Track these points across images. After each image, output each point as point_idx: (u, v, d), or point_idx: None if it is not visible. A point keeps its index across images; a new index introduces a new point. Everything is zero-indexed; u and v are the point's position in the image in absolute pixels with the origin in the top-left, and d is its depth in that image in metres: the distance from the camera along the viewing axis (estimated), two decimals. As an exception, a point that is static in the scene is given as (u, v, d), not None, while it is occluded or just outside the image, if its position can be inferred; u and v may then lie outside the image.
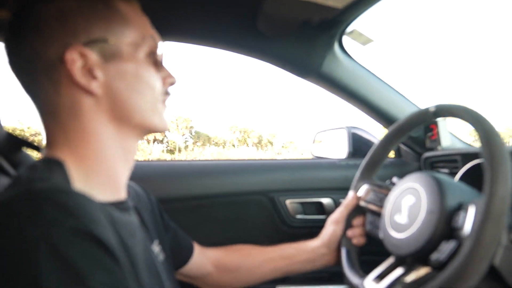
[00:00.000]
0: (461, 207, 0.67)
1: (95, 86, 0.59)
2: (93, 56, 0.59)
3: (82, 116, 0.60)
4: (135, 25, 0.64)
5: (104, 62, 0.60)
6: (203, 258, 0.97)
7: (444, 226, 0.66)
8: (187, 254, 0.92)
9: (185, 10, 0.98)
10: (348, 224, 1.00)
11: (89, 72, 0.59)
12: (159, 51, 0.67)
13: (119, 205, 0.63)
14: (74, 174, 0.57)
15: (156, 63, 0.67)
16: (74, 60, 0.57)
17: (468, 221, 0.63)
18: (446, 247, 0.65)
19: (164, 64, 0.70)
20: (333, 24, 1.03)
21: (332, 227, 1.01)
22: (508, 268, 0.64)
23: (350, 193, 1.03)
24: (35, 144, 0.97)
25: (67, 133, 0.60)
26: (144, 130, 0.67)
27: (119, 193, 0.65)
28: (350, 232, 0.99)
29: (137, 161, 1.35)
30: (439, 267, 0.65)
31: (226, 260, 0.99)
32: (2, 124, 0.95)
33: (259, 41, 1.11)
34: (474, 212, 0.63)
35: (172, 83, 0.72)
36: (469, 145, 1.42)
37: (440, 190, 0.70)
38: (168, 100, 0.72)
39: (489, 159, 0.62)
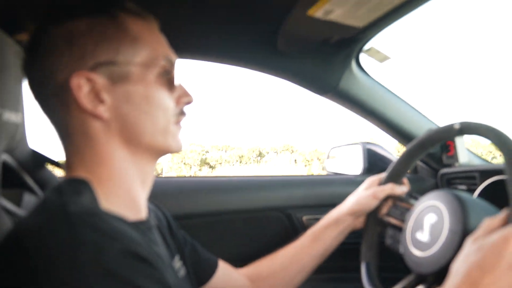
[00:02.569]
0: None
1: (102, 110, 0.59)
2: (100, 80, 0.58)
3: (93, 139, 0.60)
4: (147, 45, 0.63)
5: (112, 85, 0.59)
6: (233, 273, 0.95)
7: None
8: (210, 269, 0.90)
9: (205, 27, 1.00)
10: (372, 231, 0.99)
11: (96, 96, 0.59)
12: (173, 70, 0.65)
13: (141, 225, 0.63)
14: (98, 194, 0.57)
15: (169, 83, 0.65)
16: (80, 85, 0.57)
17: None
18: None
19: (179, 83, 0.68)
20: (352, 42, 1.04)
21: (367, 199, 0.98)
22: None
23: (405, 185, 1.01)
24: (59, 161, 0.98)
25: (82, 155, 0.61)
26: (157, 152, 0.66)
27: (140, 213, 0.65)
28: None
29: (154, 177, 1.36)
30: None
31: (258, 269, 0.98)
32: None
33: (278, 59, 1.13)
34: None
35: (188, 103, 0.70)
36: (487, 161, 1.41)
37: (462, 209, 0.70)
38: (184, 120, 0.70)
39: None
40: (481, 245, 0.58)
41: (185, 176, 1.77)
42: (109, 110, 0.60)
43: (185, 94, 0.69)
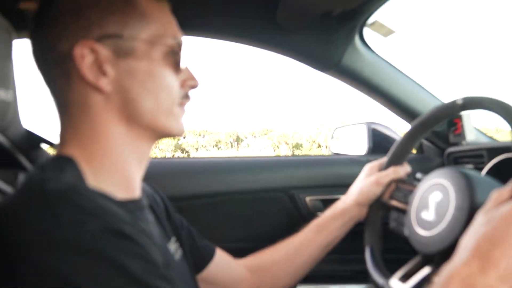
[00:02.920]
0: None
1: (104, 83, 0.58)
2: (104, 51, 0.57)
3: (91, 112, 0.59)
4: (155, 22, 0.62)
5: (116, 58, 0.58)
6: (230, 263, 0.93)
7: None
8: (207, 256, 0.88)
9: (203, 3, 0.97)
10: (375, 215, 0.97)
11: (100, 68, 0.58)
12: (179, 52, 0.64)
13: (133, 204, 0.62)
14: (86, 172, 0.56)
15: (175, 63, 0.64)
16: (84, 55, 0.56)
17: None
18: None
19: (186, 65, 0.67)
20: (354, 15, 1.01)
21: (371, 186, 0.96)
22: None
23: (406, 166, 0.98)
24: (54, 141, 0.97)
25: (77, 129, 0.60)
26: (157, 132, 0.65)
27: (133, 191, 0.63)
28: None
29: (153, 158, 1.35)
30: None
31: (260, 259, 0.96)
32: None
33: (279, 35, 1.10)
34: None
35: (193, 86, 0.68)
36: (495, 139, 1.38)
37: (469, 186, 0.67)
38: (188, 104, 0.69)
39: None
40: (490, 217, 0.56)
41: (185, 157, 1.76)
42: (111, 84, 0.59)
43: (190, 77, 0.68)
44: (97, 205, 0.48)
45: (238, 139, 24.16)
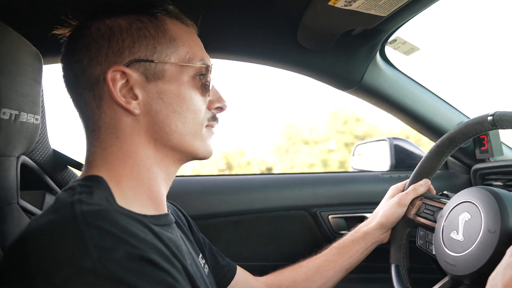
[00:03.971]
0: None
1: (134, 105, 0.60)
2: (135, 75, 0.60)
3: (121, 134, 0.60)
4: (184, 46, 0.64)
5: (146, 82, 0.60)
6: (251, 281, 0.93)
7: (506, 246, 0.61)
8: (229, 274, 0.89)
9: (225, 25, 0.99)
10: (401, 233, 0.95)
11: (130, 91, 0.60)
12: (208, 74, 0.66)
13: (161, 219, 0.62)
14: (114, 192, 0.57)
15: (203, 86, 0.65)
16: (116, 79, 0.59)
17: None
18: None
19: (214, 87, 0.69)
20: (375, 34, 1.00)
21: (393, 208, 0.95)
22: None
23: (424, 180, 0.97)
24: (81, 162, 0.99)
25: (106, 151, 0.61)
26: (184, 154, 0.65)
27: (160, 208, 0.64)
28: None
29: (177, 176, 1.36)
30: None
31: (280, 278, 0.95)
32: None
33: (299, 55, 1.10)
34: None
35: (221, 109, 0.70)
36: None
37: (500, 206, 0.65)
38: (217, 127, 0.70)
39: None
40: None
41: (206, 175, 1.77)
42: (141, 106, 0.61)
43: (218, 99, 0.69)
44: (125, 230, 0.49)
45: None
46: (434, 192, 0.97)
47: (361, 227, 0.98)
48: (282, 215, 1.31)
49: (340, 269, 0.94)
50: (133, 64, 0.60)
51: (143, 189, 0.61)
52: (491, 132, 1.26)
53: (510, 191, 1.04)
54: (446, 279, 0.75)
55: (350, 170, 1.83)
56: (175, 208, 0.83)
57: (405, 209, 0.95)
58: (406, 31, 1.04)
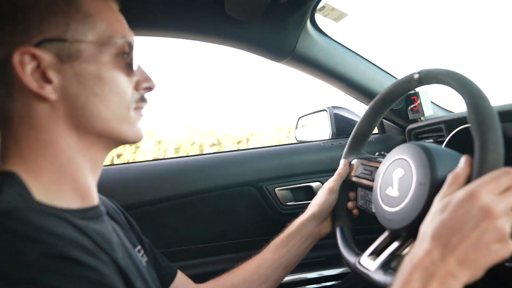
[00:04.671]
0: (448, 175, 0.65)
1: (49, 90, 0.54)
2: (47, 57, 0.54)
3: (36, 123, 0.55)
4: (102, 22, 0.58)
5: (60, 63, 0.55)
6: (192, 287, 0.89)
7: (436, 196, 0.64)
8: (168, 275, 0.84)
9: (150, 0, 0.94)
10: (342, 196, 0.96)
11: (43, 75, 0.54)
12: (131, 52, 0.61)
13: (88, 212, 0.59)
14: (32, 187, 0.52)
15: (126, 65, 0.60)
16: (24, 62, 0.52)
17: None
18: None
19: (139, 66, 0.63)
20: (304, 1, 0.99)
21: (324, 196, 0.95)
22: None
23: (342, 162, 0.98)
24: None
25: (21, 143, 0.55)
26: (111, 140, 0.61)
27: (89, 199, 0.60)
28: (350, 204, 0.95)
29: (109, 165, 1.30)
30: None
31: (219, 283, 0.91)
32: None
33: (229, 27, 1.07)
34: None
35: (149, 88, 0.65)
36: (451, 111, 1.41)
37: (429, 160, 0.68)
38: (145, 108, 0.65)
39: (477, 127, 0.59)
40: (447, 203, 0.56)
41: (145, 161, 1.70)
42: (57, 91, 0.55)
43: (146, 79, 0.64)
44: (39, 228, 0.45)
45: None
46: (352, 169, 0.98)
47: (296, 220, 0.97)
48: (228, 193, 1.30)
49: (277, 266, 0.92)
50: (44, 44, 0.53)
51: (67, 181, 0.57)
52: (420, 93, 1.32)
53: (441, 145, 1.10)
54: (385, 234, 0.77)
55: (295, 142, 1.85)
56: (108, 200, 0.78)
57: (336, 195, 0.95)
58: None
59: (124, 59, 0.60)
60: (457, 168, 0.61)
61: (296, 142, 1.82)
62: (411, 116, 1.37)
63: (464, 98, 0.64)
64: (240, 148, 1.70)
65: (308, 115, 1.80)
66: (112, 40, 0.59)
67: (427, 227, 0.57)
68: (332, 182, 0.96)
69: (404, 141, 1.43)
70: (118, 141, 0.62)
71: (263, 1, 0.93)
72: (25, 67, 0.52)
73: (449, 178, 0.60)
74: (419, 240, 0.57)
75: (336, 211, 0.96)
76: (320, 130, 1.64)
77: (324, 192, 0.96)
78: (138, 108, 0.63)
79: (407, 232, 0.70)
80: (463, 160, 0.61)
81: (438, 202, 0.59)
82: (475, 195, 0.53)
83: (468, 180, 0.59)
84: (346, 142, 1.01)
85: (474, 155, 0.60)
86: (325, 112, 1.60)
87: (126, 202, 1.13)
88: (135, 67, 0.62)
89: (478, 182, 0.55)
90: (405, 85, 0.85)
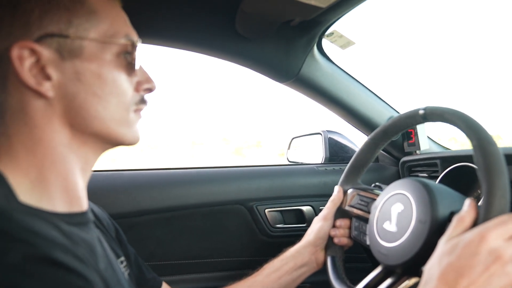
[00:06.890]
0: (453, 217, 0.64)
1: (47, 88, 0.52)
2: (47, 52, 0.52)
3: (31, 120, 0.53)
4: (105, 20, 0.56)
5: (60, 60, 0.53)
6: None
7: (436, 236, 0.63)
8: (153, 287, 0.82)
9: (160, 10, 0.93)
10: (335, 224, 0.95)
11: (42, 71, 0.52)
12: (133, 52, 0.59)
13: (75, 217, 0.56)
14: (18, 186, 0.50)
15: (128, 65, 0.58)
16: (23, 57, 0.50)
17: None
18: None
19: (141, 67, 0.62)
20: (314, 25, 1.00)
21: (319, 223, 0.94)
22: None
23: (336, 188, 0.97)
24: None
25: (11, 139, 0.53)
26: (108, 141, 0.59)
27: (77, 204, 0.58)
28: (332, 232, 0.93)
29: (100, 171, 1.26)
30: None
31: None
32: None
33: (237, 43, 1.07)
34: None
35: (149, 90, 0.63)
36: (447, 148, 1.43)
37: (430, 198, 0.67)
38: (145, 110, 0.64)
39: (485, 172, 0.59)
40: (454, 245, 0.55)
41: (136, 169, 1.64)
42: (55, 88, 0.53)
43: (146, 80, 0.62)
44: (23, 228, 0.42)
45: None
46: (346, 198, 0.97)
47: (291, 248, 0.95)
48: (217, 210, 1.27)
49: None
50: (45, 39, 0.51)
51: (57, 180, 0.54)
52: (418, 127, 1.33)
53: (435, 181, 1.11)
54: (379, 269, 0.76)
55: (286, 163, 1.85)
56: (98, 208, 0.75)
57: (330, 222, 0.94)
58: (342, 26, 1.05)
59: (126, 59, 0.58)
60: (462, 211, 0.60)
61: (288, 163, 1.82)
62: (406, 148, 1.38)
63: (471, 141, 0.64)
64: (232, 165, 1.66)
65: (301, 137, 1.80)
66: (115, 39, 0.57)
67: (433, 268, 0.55)
68: (326, 209, 0.96)
69: (397, 172, 1.44)
70: (114, 142, 0.60)
71: (275, 22, 0.93)
72: (23, 62, 0.50)
73: (455, 220, 0.59)
74: (424, 282, 0.56)
75: (328, 240, 0.95)
76: (313, 153, 1.64)
77: (319, 219, 0.95)
78: (137, 110, 0.62)
79: (403, 269, 0.69)
80: (467, 203, 0.60)
81: (444, 243, 0.58)
82: (484, 238, 0.53)
83: (474, 223, 0.59)
84: (340, 168, 1.01)
85: (473, 195, 0.59)
86: (319, 135, 1.60)
87: (112, 211, 1.09)
88: (136, 67, 0.60)
89: (486, 225, 0.55)
90: (408, 120, 0.85)
